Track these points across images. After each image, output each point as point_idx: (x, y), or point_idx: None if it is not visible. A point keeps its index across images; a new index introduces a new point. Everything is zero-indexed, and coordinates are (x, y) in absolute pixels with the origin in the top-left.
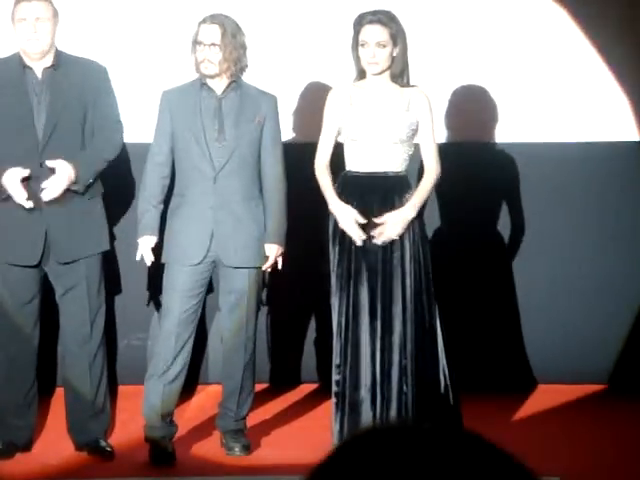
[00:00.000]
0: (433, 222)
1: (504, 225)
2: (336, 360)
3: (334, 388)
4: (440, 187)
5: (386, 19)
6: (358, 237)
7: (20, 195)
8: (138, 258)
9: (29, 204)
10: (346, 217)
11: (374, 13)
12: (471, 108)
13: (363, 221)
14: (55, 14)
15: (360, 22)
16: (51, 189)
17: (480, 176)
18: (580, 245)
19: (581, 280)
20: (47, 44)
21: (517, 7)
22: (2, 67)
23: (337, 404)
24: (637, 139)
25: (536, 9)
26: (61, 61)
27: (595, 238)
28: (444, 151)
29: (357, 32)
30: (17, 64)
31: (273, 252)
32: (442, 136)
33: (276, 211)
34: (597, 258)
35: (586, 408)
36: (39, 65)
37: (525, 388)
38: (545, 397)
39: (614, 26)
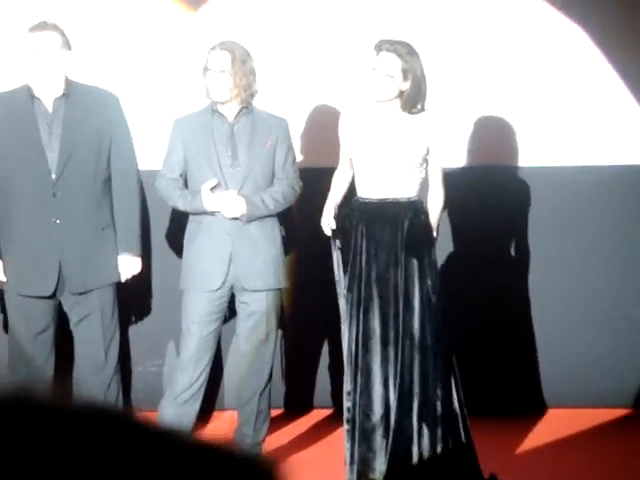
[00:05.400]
0: (447, 245)
1: (516, 247)
2: (347, 387)
3: (345, 415)
4: (453, 210)
5: (403, 51)
6: (325, 229)
7: None
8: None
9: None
10: (325, 217)
11: (393, 43)
12: (486, 132)
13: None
14: (64, 44)
15: (378, 47)
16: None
17: (494, 199)
18: (596, 267)
19: (598, 301)
20: (49, 78)
21: (536, 33)
22: (11, 99)
23: (348, 432)
24: None
25: (554, 34)
26: (72, 90)
27: (611, 259)
28: (459, 175)
29: (374, 56)
30: (26, 95)
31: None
32: (456, 160)
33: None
34: (614, 279)
35: (608, 434)
36: (49, 95)
37: (534, 412)
38: (560, 422)
39: (634, 49)
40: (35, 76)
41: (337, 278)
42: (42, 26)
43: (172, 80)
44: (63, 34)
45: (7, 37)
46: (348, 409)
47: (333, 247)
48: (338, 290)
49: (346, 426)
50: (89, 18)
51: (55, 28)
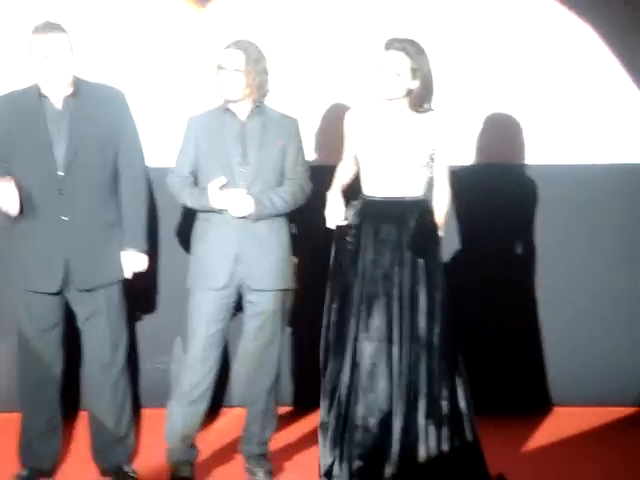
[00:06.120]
0: (453, 243)
1: (523, 246)
2: (344, 383)
3: (335, 413)
4: (459, 208)
5: (412, 50)
6: (330, 222)
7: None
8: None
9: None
10: (332, 206)
11: (402, 41)
12: (493, 130)
13: (342, 222)
14: (71, 45)
15: (387, 45)
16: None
17: (501, 198)
18: (602, 266)
19: (605, 300)
20: (58, 79)
21: (543, 31)
22: (20, 98)
23: (339, 431)
24: None
25: (562, 32)
26: (80, 89)
27: (618, 258)
28: (465, 173)
29: (383, 55)
30: (35, 94)
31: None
32: (463, 158)
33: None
34: (620, 278)
35: (614, 432)
36: (58, 94)
37: (540, 410)
38: (567, 420)
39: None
40: (45, 78)
41: (331, 271)
42: (49, 28)
43: (181, 77)
44: (68, 35)
45: (7, 34)
46: (341, 409)
47: (336, 239)
48: (330, 283)
49: (333, 425)
50: (98, 16)
51: (61, 29)
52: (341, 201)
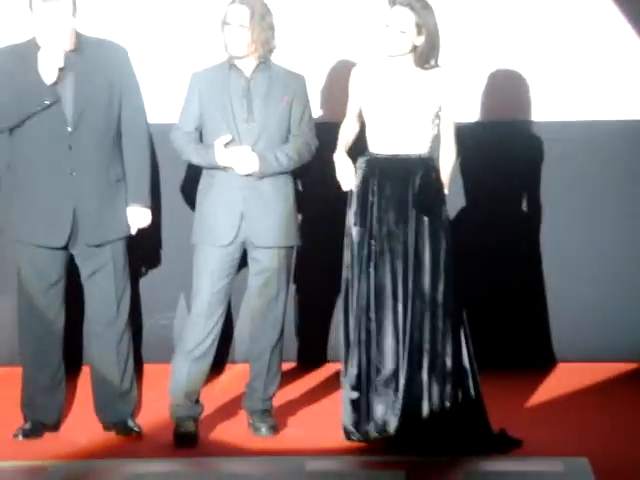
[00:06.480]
0: (458, 201)
1: (528, 203)
2: (355, 339)
3: (353, 370)
4: (465, 166)
5: (417, 5)
6: (345, 184)
7: None
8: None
9: None
10: (343, 169)
11: None
12: (498, 87)
13: (350, 186)
14: (74, 8)
15: (392, 1)
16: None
17: (506, 155)
18: (607, 222)
19: (609, 256)
20: (66, 42)
21: None
22: (23, 52)
23: (356, 386)
24: None
25: None
26: (82, 44)
27: (622, 214)
28: (470, 130)
29: (388, 11)
30: (35, 50)
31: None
32: (469, 115)
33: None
34: (625, 234)
35: (618, 388)
36: (59, 50)
37: (544, 366)
38: (570, 376)
39: None
40: (46, 42)
41: (347, 230)
42: None
43: (184, 33)
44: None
45: None
46: (358, 364)
47: (350, 200)
48: (346, 242)
49: (353, 379)
50: None
51: None
52: (349, 162)
